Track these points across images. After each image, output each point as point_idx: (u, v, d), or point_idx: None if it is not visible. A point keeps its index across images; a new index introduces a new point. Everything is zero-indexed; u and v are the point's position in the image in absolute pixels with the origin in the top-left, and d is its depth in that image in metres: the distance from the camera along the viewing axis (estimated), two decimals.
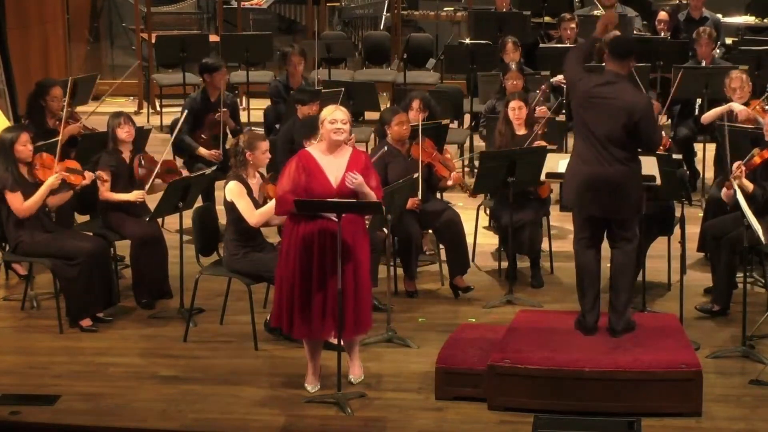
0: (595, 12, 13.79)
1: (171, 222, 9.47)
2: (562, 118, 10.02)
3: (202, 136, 10.34)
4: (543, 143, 9.17)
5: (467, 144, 12.07)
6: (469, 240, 9.49)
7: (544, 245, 9.34)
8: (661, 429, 6.85)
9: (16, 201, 8.27)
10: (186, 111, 10.19)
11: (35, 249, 8.35)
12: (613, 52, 7.45)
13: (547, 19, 14.22)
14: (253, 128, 12.34)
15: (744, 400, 7.20)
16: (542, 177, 8.43)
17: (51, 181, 8.35)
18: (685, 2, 13.93)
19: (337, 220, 6.95)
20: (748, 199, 8.05)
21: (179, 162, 10.78)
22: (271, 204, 7.89)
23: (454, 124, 12.04)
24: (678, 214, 8.50)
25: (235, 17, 15.64)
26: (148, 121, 13.78)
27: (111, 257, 8.77)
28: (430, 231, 9.37)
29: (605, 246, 7.65)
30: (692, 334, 7.89)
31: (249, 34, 14.76)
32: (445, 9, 15.89)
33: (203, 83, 10.59)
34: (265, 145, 8.07)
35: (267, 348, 8.02)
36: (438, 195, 9.71)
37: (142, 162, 8.83)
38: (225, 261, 8.14)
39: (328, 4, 16.18)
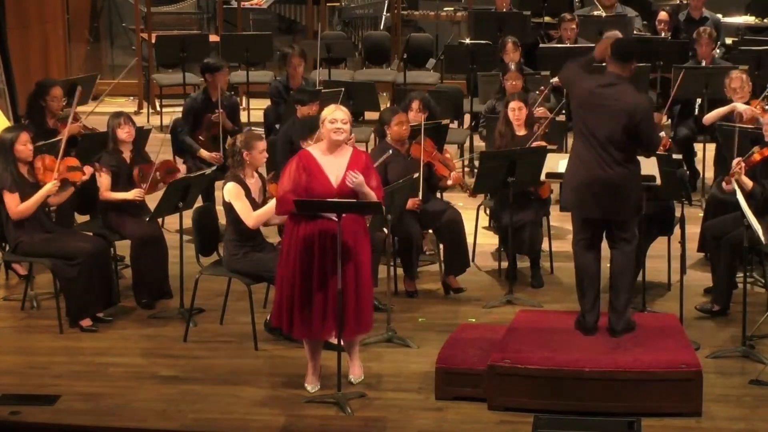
0: (595, 12, 13.78)
1: (171, 222, 9.47)
2: (562, 118, 10.01)
3: (200, 137, 10.34)
4: (543, 143, 9.17)
5: (467, 144, 12.07)
6: (469, 240, 9.49)
7: (544, 245, 9.34)
8: (661, 429, 6.85)
9: (12, 202, 8.27)
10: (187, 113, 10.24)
11: (35, 249, 8.36)
12: (616, 54, 7.44)
13: (547, 19, 14.22)
14: (252, 128, 12.38)
15: (744, 400, 7.20)
16: (542, 177, 8.43)
17: (48, 187, 8.35)
18: (685, 2, 13.92)
19: (337, 220, 6.95)
20: (747, 196, 8.06)
21: (179, 162, 10.82)
22: (269, 206, 7.90)
23: (454, 124, 12.04)
24: (678, 214, 8.50)
25: (235, 17, 15.64)
26: (148, 121, 13.78)
27: (111, 257, 8.77)
28: (431, 231, 9.38)
29: (605, 246, 7.65)
30: (692, 334, 7.89)
31: (249, 34, 14.76)
32: (445, 9, 15.89)
33: (204, 83, 10.58)
34: (262, 144, 8.07)
35: (267, 348, 8.02)
36: (438, 195, 9.72)
37: (142, 174, 8.81)
38: (225, 261, 8.14)
39: (328, 4, 16.17)
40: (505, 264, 9.17)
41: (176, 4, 16.83)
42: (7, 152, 8.34)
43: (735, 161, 8.34)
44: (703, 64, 11.53)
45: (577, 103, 7.51)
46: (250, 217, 7.91)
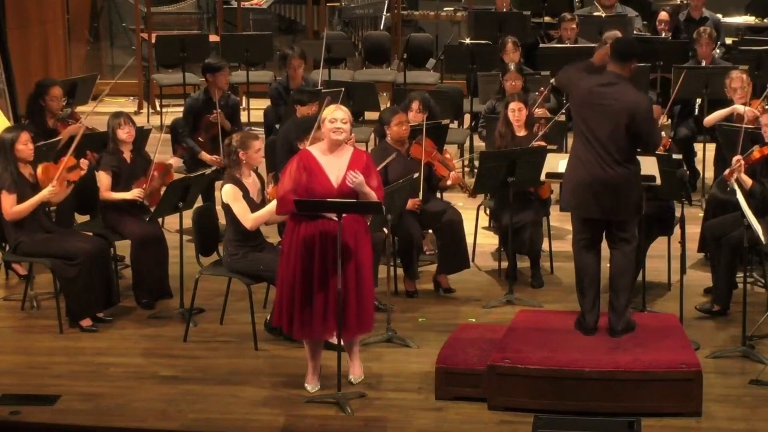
0: (595, 13, 13.78)
1: (171, 222, 9.47)
2: (562, 118, 10.01)
3: (199, 138, 10.34)
4: (543, 143, 9.17)
5: (467, 144, 12.07)
6: (469, 240, 9.49)
7: (544, 245, 9.34)
8: (661, 429, 6.85)
9: (7, 203, 8.26)
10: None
11: (35, 249, 8.36)
12: (616, 54, 7.44)
13: (547, 19, 14.22)
14: (252, 128, 12.38)
15: (744, 400, 7.20)
16: (542, 177, 8.43)
17: (44, 193, 8.34)
18: (685, 2, 13.92)
19: (337, 220, 6.95)
20: (747, 195, 8.07)
21: (180, 162, 10.82)
22: (268, 208, 7.90)
23: (454, 124, 12.04)
24: (678, 214, 8.50)
25: (235, 17, 15.64)
26: (148, 121, 13.78)
27: (111, 257, 8.77)
28: (431, 231, 9.38)
29: (604, 246, 7.64)
30: (692, 334, 7.89)
31: (249, 34, 14.76)
32: (445, 9, 15.89)
33: (205, 83, 10.58)
34: (258, 144, 8.06)
35: (267, 348, 8.02)
36: (438, 195, 9.72)
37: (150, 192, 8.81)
38: (225, 261, 8.14)
39: (328, 4, 16.18)
40: (505, 264, 9.17)
41: (176, 4, 16.84)
42: (7, 152, 8.34)
43: (735, 159, 8.35)
44: (703, 64, 11.53)
45: (576, 104, 7.51)
46: (248, 219, 7.90)
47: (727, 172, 8.42)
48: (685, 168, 9.25)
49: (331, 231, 7.01)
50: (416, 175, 8.72)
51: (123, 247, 9.04)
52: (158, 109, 14.18)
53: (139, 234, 8.68)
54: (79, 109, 10.77)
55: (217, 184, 9.34)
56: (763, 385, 7.34)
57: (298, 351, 7.69)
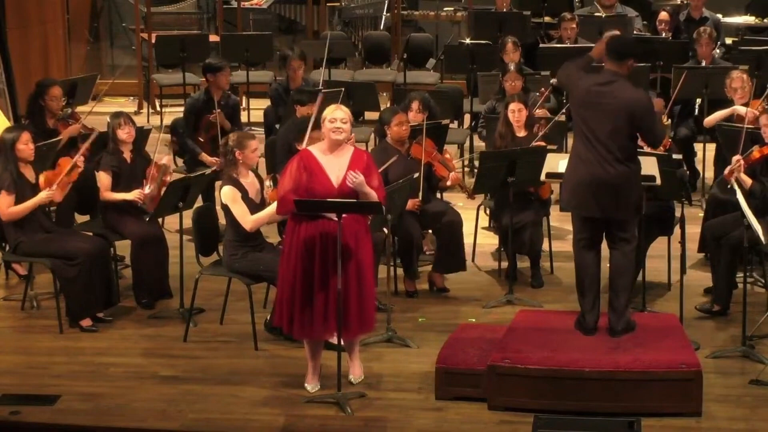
0: (596, 13, 13.77)
1: (171, 222, 9.47)
2: (562, 118, 10.01)
3: (200, 138, 10.33)
4: (542, 144, 9.16)
5: (467, 144, 12.07)
6: (469, 240, 9.50)
7: (545, 245, 9.34)
8: (661, 429, 6.85)
9: (4, 203, 8.26)
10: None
11: (35, 249, 8.36)
12: (612, 53, 7.44)
13: (547, 19, 14.22)
14: (252, 128, 12.38)
15: (744, 400, 7.20)
16: (542, 177, 8.43)
17: (42, 197, 8.33)
18: (685, 2, 13.93)
19: (336, 219, 6.95)
20: (747, 195, 8.07)
21: (179, 162, 10.82)
22: (267, 211, 7.91)
23: (454, 124, 12.04)
24: (678, 214, 8.50)
25: (235, 17, 15.64)
26: (148, 121, 13.78)
27: (111, 257, 8.77)
28: (431, 231, 9.38)
29: (604, 246, 7.64)
30: (692, 334, 7.89)
31: (249, 34, 14.75)
32: (445, 9, 15.90)
33: (206, 83, 10.58)
34: (254, 143, 8.05)
35: (267, 348, 8.02)
36: (438, 195, 9.71)
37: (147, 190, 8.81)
38: (225, 261, 8.14)
39: (328, 4, 16.18)
40: (505, 264, 9.17)
41: (176, 4, 16.84)
42: (8, 152, 8.33)
43: (735, 158, 8.36)
44: (703, 64, 11.53)
45: (576, 103, 7.51)
46: (247, 221, 7.90)
47: (726, 171, 8.43)
48: (685, 168, 9.25)
49: (332, 231, 7.00)
50: (416, 175, 8.72)
51: (123, 247, 9.04)
52: (158, 109, 14.17)
53: (139, 234, 8.68)
54: (79, 109, 10.76)
55: (217, 184, 9.33)
56: (763, 385, 7.34)
57: (298, 351, 7.69)
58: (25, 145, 8.37)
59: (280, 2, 16.51)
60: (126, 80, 15.61)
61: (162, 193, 8.61)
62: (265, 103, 11.91)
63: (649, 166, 7.68)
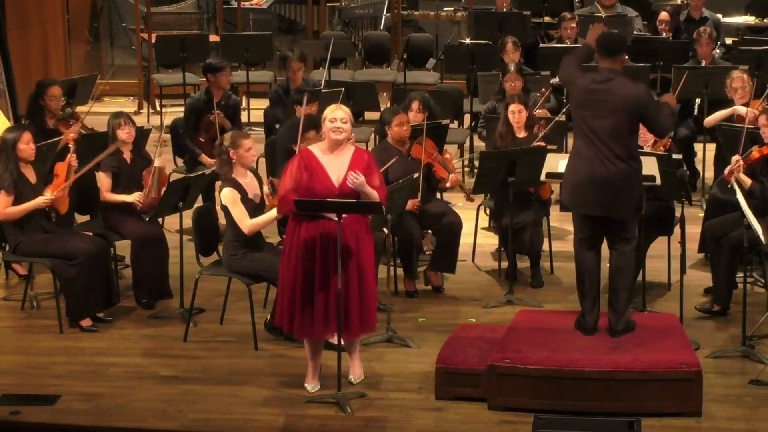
0: (596, 13, 13.77)
1: (171, 222, 9.47)
2: (562, 118, 10.01)
3: (200, 138, 10.33)
4: (542, 144, 9.16)
5: (467, 144, 12.07)
6: (469, 240, 9.50)
7: (545, 245, 9.33)
8: (661, 429, 6.85)
9: (1, 203, 8.25)
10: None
11: (35, 249, 8.35)
12: (603, 50, 7.47)
13: (547, 19, 14.22)
14: (252, 128, 12.39)
15: (744, 400, 7.20)
16: (542, 177, 8.43)
17: (39, 201, 8.33)
18: (685, 2, 13.92)
19: (337, 219, 6.95)
20: (746, 195, 8.07)
21: (179, 162, 10.82)
22: (265, 217, 7.93)
23: (454, 124, 12.04)
24: (678, 214, 8.50)
25: (235, 17, 15.64)
26: (148, 121, 13.78)
27: (111, 257, 8.77)
28: (430, 231, 9.38)
29: (604, 246, 7.64)
30: (692, 334, 7.89)
31: (249, 34, 14.76)
32: (445, 9, 15.90)
33: (206, 83, 10.58)
34: (248, 142, 8.04)
35: (267, 348, 8.02)
36: (438, 195, 9.71)
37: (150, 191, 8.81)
38: (225, 261, 8.14)
39: (328, 4, 16.18)
40: (505, 264, 9.17)
41: (176, 4, 16.84)
42: (9, 152, 8.33)
43: (734, 158, 8.37)
44: (703, 64, 11.53)
45: (576, 103, 7.51)
46: (245, 225, 7.89)
47: (726, 171, 8.44)
48: (685, 168, 9.24)
49: (332, 231, 7.00)
50: (416, 175, 8.72)
51: (123, 247, 9.04)
52: (158, 109, 14.17)
53: (139, 234, 8.68)
54: (79, 109, 10.76)
55: (217, 184, 9.33)
56: (763, 385, 7.34)
57: (298, 351, 7.69)
58: (26, 145, 8.37)
59: (280, 2, 16.51)
60: (126, 80, 15.62)
61: (161, 194, 8.61)
62: (265, 103, 11.91)
63: (649, 166, 7.68)
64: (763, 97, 10.18)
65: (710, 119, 10.39)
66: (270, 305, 8.25)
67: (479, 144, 11.25)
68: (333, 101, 8.98)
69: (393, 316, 8.22)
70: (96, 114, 10.27)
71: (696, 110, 11.41)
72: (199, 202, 8.78)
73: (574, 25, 12.80)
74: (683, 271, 8.23)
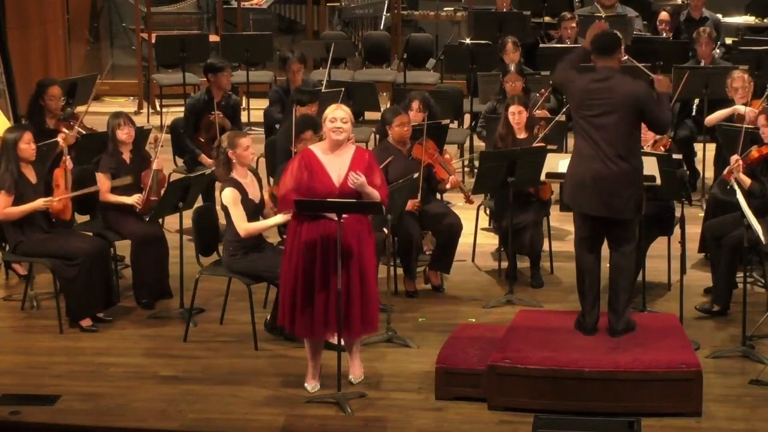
0: (596, 13, 13.76)
1: (171, 222, 9.47)
2: (562, 118, 10.02)
3: (200, 139, 10.33)
4: (543, 145, 9.16)
5: (467, 144, 12.07)
6: (469, 240, 9.50)
7: (545, 245, 9.33)
8: (661, 429, 6.85)
9: (1, 203, 8.25)
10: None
11: (35, 249, 8.35)
12: (599, 50, 7.48)
13: (547, 19, 14.22)
14: (252, 128, 12.39)
15: (744, 400, 7.20)
16: (542, 177, 8.43)
17: (39, 203, 8.32)
18: (685, 2, 13.92)
19: (337, 219, 6.95)
20: (746, 195, 8.07)
21: (179, 162, 10.82)
22: (263, 223, 7.95)
23: (454, 124, 12.03)
24: (678, 214, 8.50)
25: (235, 17, 15.64)
26: (148, 121, 13.78)
27: (111, 257, 8.77)
28: (430, 232, 9.38)
29: (604, 246, 7.64)
30: (692, 334, 7.89)
31: (249, 34, 14.76)
32: (445, 9, 15.90)
33: (207, 83, 10.57)
34: (245, 141, 8.04)
35: (267, 348, 8.02)
36: (438, 196, 9.71)
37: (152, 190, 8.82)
38: (225, 261, 8.14)
39: (328, 4, 16.19)
40: (505, 264, 9.17)
41: (176, 4, 16.85)
42: (9, 152, 8.33)
43: (733, 158, 8.37)
44: (703, 64, 11.53)
45: (576, 103, 7.49)
46: (242, 227, 7.88)
47: (726, 171, 8.44)
48: (685, 168, 9.24)
49: (333, 232, 6.99)
50: (416, 175, 8.72)
51: (123, 247, 9.04)
52: (158, 109, 14.17)
53: (139, 234, 8.67)
54: (79, 109, 10.76)
55: (218, 184, 9.34)
56: (763, 385, 7.34)
57: (298, 351, 7.69)
58: (27, 145, 8.37)
59: (280, 2, 16.51)
60: (126, 80, 15.62)
61: (160, 196, 8.60)
62: (265, 103, 11.91)
63: (649, 166, 7.68)
64: (764, 97, 10.18)
65: (711, 118, 10.40)
66: (270, 305, 8.25)
67: (479, 144, 11.25)
68: (333, 101, 8.97)
69: (393, 316, 8.22)
70: (96, 114, 10.27)
71: (695, 111, 11.41)
72: (199, 202, 8.78)
73: (574, 25, 12.80)
74: (683, 271, 8.23)
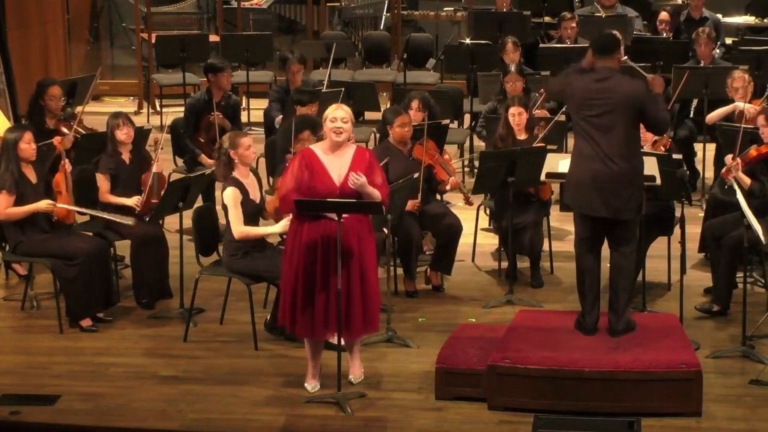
0: (596, 13, 13.76)
1: (171, 222, 9.47)
2: (562, 118, 10.02)
3: (200, 139, 10.33)
4: (542, 145, 9.16)
5: (467, 144, 12.07)
6: (469, 240, 9.50)
7: (545, 245, 9.33)
8: (661, 429, 6.85)
9: (3, 203, 8.25)
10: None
11: (35, 249, 8.35)
12: (599, 51, 7.48)
13: (547, 19, 14.22)
14: (252, 128, 12.38)
15: (744, 400, 7.20)
16: (542, 177, 8.43)
17: (40, 205, 8.31)
18: (685, 2, 13.92)
19: (337, 219, 6.94)
20: (747, 195, 8.07)
21: (179, 162, 10.83)
22: (259, 230, 7.96)
23: (454, 124, 12.03)
24: (678, 214, 8.50)
25: (235, 17, 15.65)
26: (148, 121, 13.78)
27: (111, 257, 8.77)
28: (430, 232, 9.38)
29: (605, 246, 7.64)
30: (692, 334, 7.89)
31: (249, 34, 14.77)
32: (445, 9, 15.90)
33: (207, 83, 10.57)
34: (246, 140, 8.05)
35: (267, 348, 8.02)
36: (437, 196, 9.71)
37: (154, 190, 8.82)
38: (225, 261, 8.14)
39: (328, 4, 16.19)
40: (505, 264, 9.17)
41: (176, 4, 16.85)
42: (10, 152, 8.33)
43: (727, 158, 8.39)
44: (702, 64, 11.53)
45: (576, 104, 7.47)
46: (237, 229, 7.88)
47: (724, 170, 8.45)
48: (685, 168, 9.24)
49: (334, 232, 6.99)
50: (416, 175, 8.72)
51: (123, 247, 9.04)
52: (158, 109, 14.17)
53: (139, 234, 8.67)
54: (78, 109, 10.76)
55: (218, 184, 9.34)
56: (763, 385, 7.34)
57: (298, 351, 7.69)
58: (28, 145, 8.36)
59: (280, 2, 16.52)
60: (126, 80, 15.63)
61: (160, 198, 8.61)
62: (265, 103, 11.91)
63: (649, 166, 7.68)
64: (764, 97, 10.19)
65: (712, 116, 10.41)
66: (270, 305, 8.26)
67: (479, 144, 11.25)
68: (333, 101, 8.98)
69: (393, 316, 8.22)
70: (96, 114, 10.27)
71: (693, 112, 11.40)
72: (199, 202, 8.78)
73: (574, 25, 12.80)
74: (683, 271, 8.23)
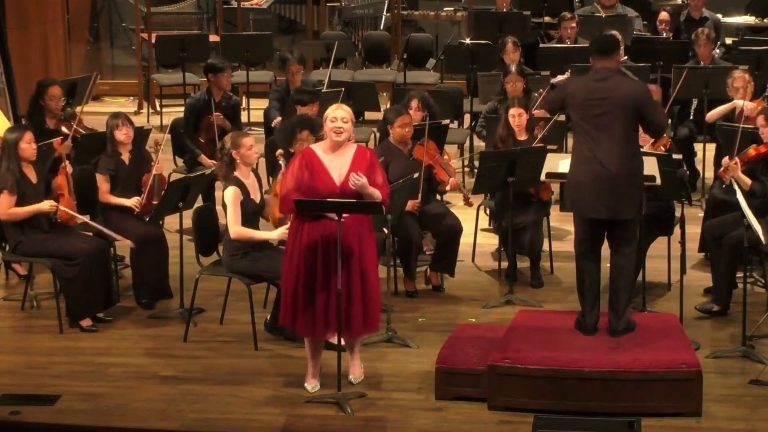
0: (596, 13, 13.76)
1: (171, 222, 9.47)
2: (562, 118, 10.02)
3: (200, 139, 10.33)
4: (542, 144, 9.16)
5: (467, 144, 12.07)
6: (469, 240, 9.50)
7: (545, 245, 9.33)
8: (661, 429, 6.85)
9: (4, 203, 8.25)
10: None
11: (35, 249, 8.35)
12: (598, 51, 7.49)
13: (547, 19, 14.22)
14: (252, 128, 12.38)
15: (744, 400, 7.20)
16: (542, 177, 8.43)
17: (42, 206, 8.31)
18: (685, 2, 13.92)
19: (337, 219, 6.94)
20: (747, 195, 8.07)
21: (179, 162, 10.83)
22: (256, 233, 7.96)
23: (454, 124, 12.03)
24: (678, 214, 8.50)
25: (235, 17, 15.65)
26: (148, 121, 13.78)
27: (111, 257, 8.77)
28: (430, 233, 9.38)
29: (605, 246, 7.64)
30: (692, 334, 7.89)
31: (249, 34, 14.77)
32: (445, 9, 15.90)
33: (207, 83, 10.57)
34: (248, 140, 8.05)
35: (267, 348, 8.02)
36: (437, 196, 9.71)
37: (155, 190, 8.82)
38: (225, 261, 8.14)
39: (328, 4, 16.19)
40: (505, 264, 9.17)
41: (176, 4, 16.85)
42: (10, 152, 8.33)
43: (724, 160, 8.40)
44: (702, 64, 11.53)
45: (576, 105, 7.46)
46: (234, 229, 7.88)
47: (721, 169, 8.45)
48: (685, 168, 9.24)
49: (334, 232, 6.99)
50: (416, 175, 8.72)
51: (123, 247, 9.03)
52: (158, 109, 14.18)
53: (139, 234, 8.67)
54: (77, 109, 10.75)
55: (218, 184, 9.33)
56: (763, 385, 7.34)
57: (298, 351, 7.69)
58: (28, 145, 8.36)
59: (280, 2, 16.52)
60: (126, 80, 15.63)
61: (159, 199, 8.61)
62: (265, 103, 11.91)
63: (649, 166, 7.68)
64: (762, 97, 10.19)
65: (712, 114, 10.41)
66: (270, 305, 8.26)
67: (479, 144, 11.25)
68: (333, 101, 8.98)
69: (393, 316, 8.22)
70: (96, 114, 10.27)
71: (692, 113, 11.40)
72: (199, 202, 8.78)
73: (574, 24, 12.80)
74: (683, 271, 8.23)
